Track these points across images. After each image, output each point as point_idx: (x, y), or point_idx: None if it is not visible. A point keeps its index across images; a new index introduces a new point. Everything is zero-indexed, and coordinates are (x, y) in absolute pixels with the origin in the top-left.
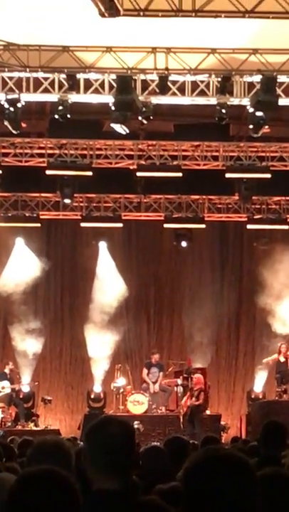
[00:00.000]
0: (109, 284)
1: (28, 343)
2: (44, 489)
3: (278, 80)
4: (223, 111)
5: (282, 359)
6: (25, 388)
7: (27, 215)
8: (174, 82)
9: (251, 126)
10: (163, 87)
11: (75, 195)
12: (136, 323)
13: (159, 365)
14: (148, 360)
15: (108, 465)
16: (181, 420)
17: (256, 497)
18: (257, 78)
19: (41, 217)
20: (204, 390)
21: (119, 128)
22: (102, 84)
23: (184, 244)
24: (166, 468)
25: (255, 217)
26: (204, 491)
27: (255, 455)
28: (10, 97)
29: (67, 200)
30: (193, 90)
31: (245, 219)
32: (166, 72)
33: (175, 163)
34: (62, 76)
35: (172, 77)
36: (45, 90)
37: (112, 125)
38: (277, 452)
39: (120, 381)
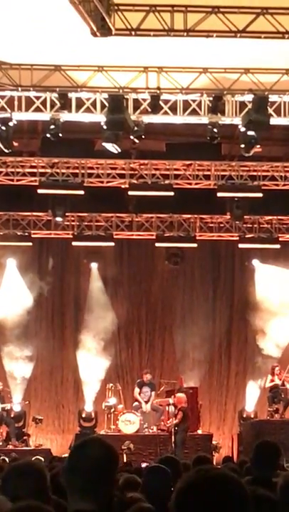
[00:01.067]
0: (100, 304)
1: (19, 363)
2: None
3: (270, 100)
4: (215, 130)
5: (277, 380)
6: (17, 407)
7: (18, 234)
8: (165, 101)
9: (243, 146)
10: (155, 106)
11: (67, 214)
12: (127, 342)
13: (150, 384)
14: (140, 379)
15: (84, 486)
16: (173, 440)
17: None
18: (248, 98)
19: (33, 236)
20: (184, 409)
21: (111, 147)
22: (93, 104)
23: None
24: (169, 489)
25: (247, 236)
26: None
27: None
28: (2, 115)
29: (58, 219)
30: (185, 109)
31: (237, 238)
32: (157, 91)
33: (167, 182)
34: (54, 95)
35: (164, 97)
36: (37, 109)
37: (104, 144)
38: (270, 472)
39: (112, 400)
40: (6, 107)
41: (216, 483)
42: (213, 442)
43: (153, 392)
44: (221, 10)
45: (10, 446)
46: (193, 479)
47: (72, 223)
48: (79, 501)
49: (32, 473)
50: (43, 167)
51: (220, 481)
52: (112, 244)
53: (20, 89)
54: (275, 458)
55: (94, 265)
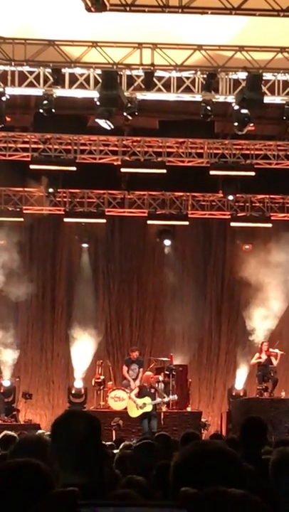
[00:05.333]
0: (91, 280)
1: (9, 338)
2: (21, 479)
3: (264, 78)
4: (208, 108)
5: (264, 357)
6: (6, 383)
7: (10, 209)
8: (159, 78)
9: (236, 124)
10: (148, 83)
11: (59, 190)
12: (118, 319)
13: (139, 361)
14: (128, 357)
15: (73, 460)
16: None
17: (244, 488)
18: (242, 75)
19: (24, 211)
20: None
21: (104, 123)
22: (87, 79)
23: (167, 243)
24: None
25: (239, 214)
26: (194, 484)
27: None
28: None
29: (50, 190)
30: (178, 87)
31: (229, 216)
32: (151, 68)
33: (159, 159)
34: (48, 70)
35: (158, 73)
36: (30, 84)
37: (97, 120)
38: (258, 448)
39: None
40: None
41: (213, 457)
42: (202, 420)
43: (141, 369)
44: None
45: None
46: (190, 453)
47: (64, 199)
48: (71, 476)
49: (41, 450)
50: (35, 143)
51: (217, 455)
52: (103, 221)
53: (13, 63)
54: (263, 434)
55: (85, 239)
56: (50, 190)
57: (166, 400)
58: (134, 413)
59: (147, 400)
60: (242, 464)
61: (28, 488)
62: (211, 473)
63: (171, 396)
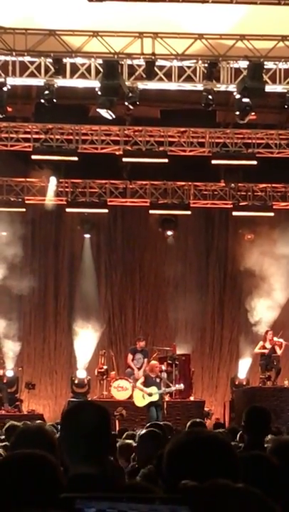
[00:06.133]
0: (94, 270)
1: (11, 329)
2: (25, 471)
3: (265, 67)
4: (210, 97)
5: (268, 345)
6: (9, 373)
7: (12, 199)
8: (160, 68)
9: (238, 113)
10: (149, 73)
11: (61, 180)
12: (121, 309)
13: (144, 351)
14: (133, 346)
15: (83, 450)
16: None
17: (237, 477)
18: (244, 64)
19: (26, 202)
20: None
21: (106, 113)
22: (88, 69)
23: (169, 233)
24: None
25: (241, 204)
26: (187, 472)
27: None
28: None
29: (53, 179)
30: (179, 76)
31: (231, 206)
32: (152, 57)
33: (161, 149)
34: (49, 60)
35: (159, 63)
36: (31, 74)
37: (98, 110)
38: (261, 437)
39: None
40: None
41: (206, 445)
42: (205, 409)
43: (146, 359)
44: None
45: (2, 412)
46: (183, 441)
47: (66, 190)
48: (80, 466)
49: (43, 440)
50: (36, 133)
51: (210, 442)
52: (105, 211)
53: (14, 53)
54: (266, 423)
55: (87, 229)
56: (52, 179)
57: (172, 389)
58: (141, 402)
59: (154, 389)
60: (235, 452)
61: (36, 480)
62: (203, 461)
63: (177, 385)
